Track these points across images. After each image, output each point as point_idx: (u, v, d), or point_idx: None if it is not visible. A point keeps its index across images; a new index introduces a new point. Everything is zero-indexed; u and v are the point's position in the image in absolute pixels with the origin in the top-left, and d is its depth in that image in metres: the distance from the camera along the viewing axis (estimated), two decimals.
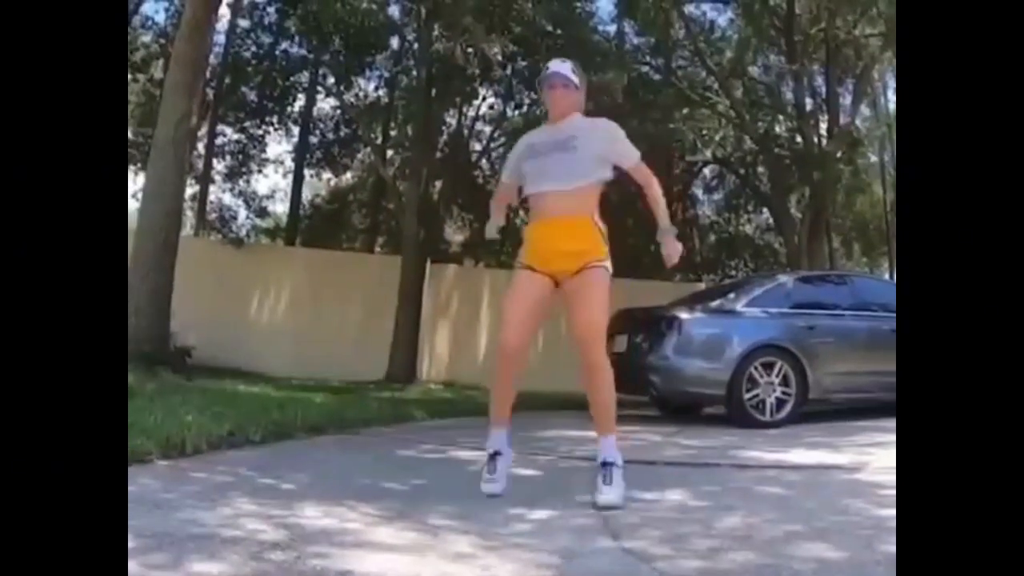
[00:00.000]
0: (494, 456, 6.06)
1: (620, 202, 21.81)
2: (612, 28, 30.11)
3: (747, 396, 12.04)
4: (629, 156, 6.26)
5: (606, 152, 6.16)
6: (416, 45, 25.94)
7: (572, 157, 6.02)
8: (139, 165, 23.10)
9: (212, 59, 24.13)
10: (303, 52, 28.65)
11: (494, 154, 30.18)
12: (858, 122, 31.02)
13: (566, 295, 5.94)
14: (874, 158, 37.05)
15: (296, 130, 31.13)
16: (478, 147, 29.77)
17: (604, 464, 5.78)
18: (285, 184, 34.34)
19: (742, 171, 31.44)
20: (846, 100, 29.30)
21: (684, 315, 12.87)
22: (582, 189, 6.02)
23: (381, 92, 30.22)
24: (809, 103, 28.86)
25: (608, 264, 5.97)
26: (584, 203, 6.03)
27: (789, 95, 28.91)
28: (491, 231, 7.10)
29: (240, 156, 30.50)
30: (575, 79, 6.28)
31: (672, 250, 6.23)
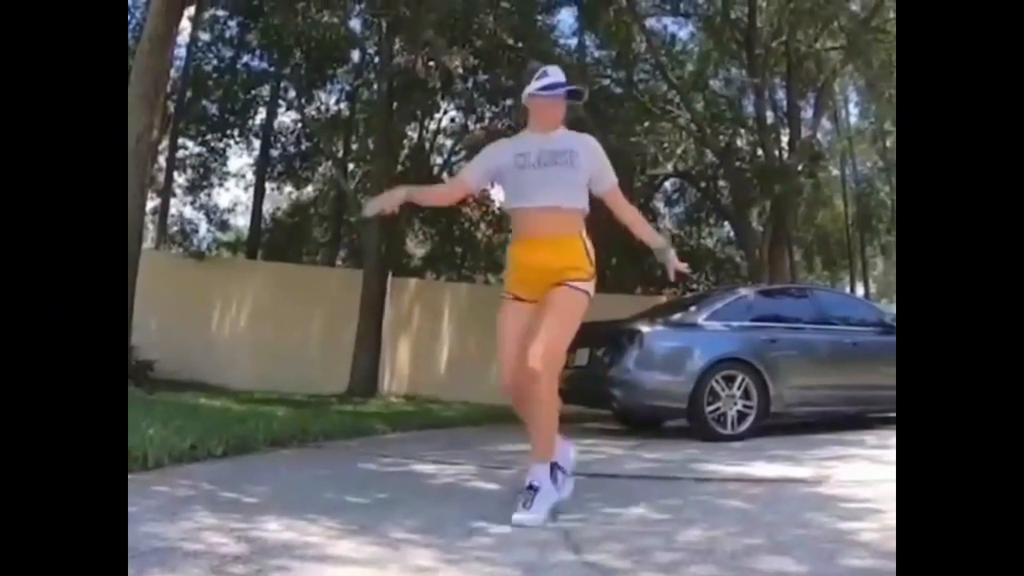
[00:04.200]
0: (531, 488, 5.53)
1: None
2: (573, 41, 30.17)
3: (709, 409, 12.03)
4: (609, 178, 6.17)
5: (593, 172, 6.03)
6: (377, 58, 25.95)
7: (569, 175, 5.87)
8: None
9: (173, 72, 24.06)
10: (264, 66, 28.63)
11: (455, 167, 30.18)
12: (819, 135, 31.26)
13: (539, 309, 5.72)
14: (835, 171, 37.35)
15: (257, 143, 31.13)
16: (440, 161, 29.69)
17: (529, 487, 5.51)
18: (246, 197, 34.43)
19: (703, 184, 31.56)
20: (807, 113, 29.49)
21: (645, 328, 12.86)
22: (574, 210, 5.88)
23: (342, 105, 30.28)
24: (770, 116, 29.01)
25: (587, 286, 5.80)
26: (574, 223, 5.88)
27: (750, 108, 29.02)
28: (372, 208, 6.93)
29: (201, 169, 30.48)
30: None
31: (677, 264, 6.40)
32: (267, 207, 34.85)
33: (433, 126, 29.28)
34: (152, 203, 27.23)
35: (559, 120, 6.11)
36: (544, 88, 6.08)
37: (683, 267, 6.45)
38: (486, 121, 27.92)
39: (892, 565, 3.38)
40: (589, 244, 5.91)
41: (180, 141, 29.64)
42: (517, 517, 5.27)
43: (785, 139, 29.10)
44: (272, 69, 28.60)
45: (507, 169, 6.02)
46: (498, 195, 6.63)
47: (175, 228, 31.55)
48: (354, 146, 30.73)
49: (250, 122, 29.94)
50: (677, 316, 13.75)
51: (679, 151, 29.19)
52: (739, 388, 12.18)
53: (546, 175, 5.85)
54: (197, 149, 30.13)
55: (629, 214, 6.29)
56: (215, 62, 28.68)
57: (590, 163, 6.00)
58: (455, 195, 6.82)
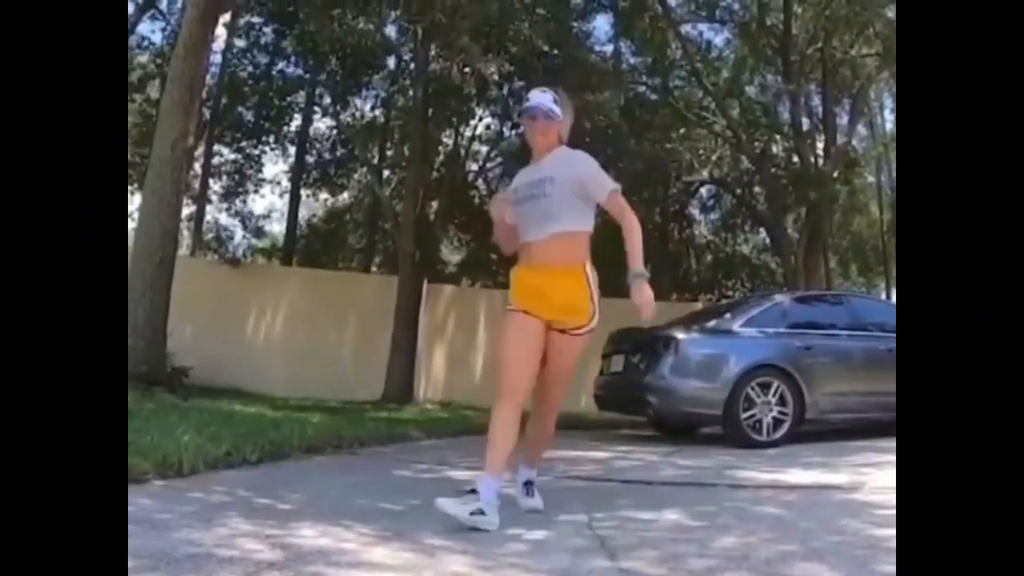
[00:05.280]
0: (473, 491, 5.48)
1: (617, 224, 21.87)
2: (609, 48, 30.12)
3: (744, 416, 11.98)
4: (602, 187, 5.88)
5: (579, 191, 5.80)
6: (412, 65, 25.96)
7: (545, 204, 5.81)
8: (135, 185, 23.06)
9: (209, 79, 24.12)
10: (299, 72, 28.76)
11: (490, 174, 30.16)
12: (855, 142, 31.10)
13: (549, 349, 5.79)
14: (871, 178, 37.19)
15: (292, 150, 31.18)
16: (474, 167, 29.68)
17: (527, 483, 6.22)
18: (281, 204, 34.54)
19: (739, 191, 31.41)
20: (843, 120, 29.31)
21: (681, 335, 12.83)
22: (559, 237, 5.74)
23: (377, 112, 30.24)
24: (806, 123, 28.85)
25: (592, 325, 5.82)
26: (568, 251, 5.77)
27: (786, 115, 28.89)
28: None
29: (236, 176, 30.58)
30: (557, 109, 6.04)
31: (641, 299, 5.68)
32: (302, 213, 34.90)
33: (468, 132, 29.11)
34: (187, 210, 27.31)
35: (548, 143, 6.08)
36: (522, 112, 6.20)
37: (647, 307, 5.68)
38: (521, 128, 27.84)
39: None
40: (591, 276, 5.82)
41: (215, 148, 29.81)
42: (529, 504, 6.07)
43: (820, 145, 28.95)
44: (307, 75, 28.73)
45: (514, 204, 6.03)
46: None
47: (210, 235, 31.69)
48: (389, 152, 30.81)
49: (285, 128, 30.07)
50: (712, 323, 13.72)
51: (714, 157, 29.11)
52: (774, 395, 12.12)
53: (528, 211, 5.89)
54: (232, 156, 30.32)
55: (626, 221, 5.84)
56: (250, 68, 28.85)
57: (570, 182, 5.81)
58: (514, 242, 6.19)
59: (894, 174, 38.28)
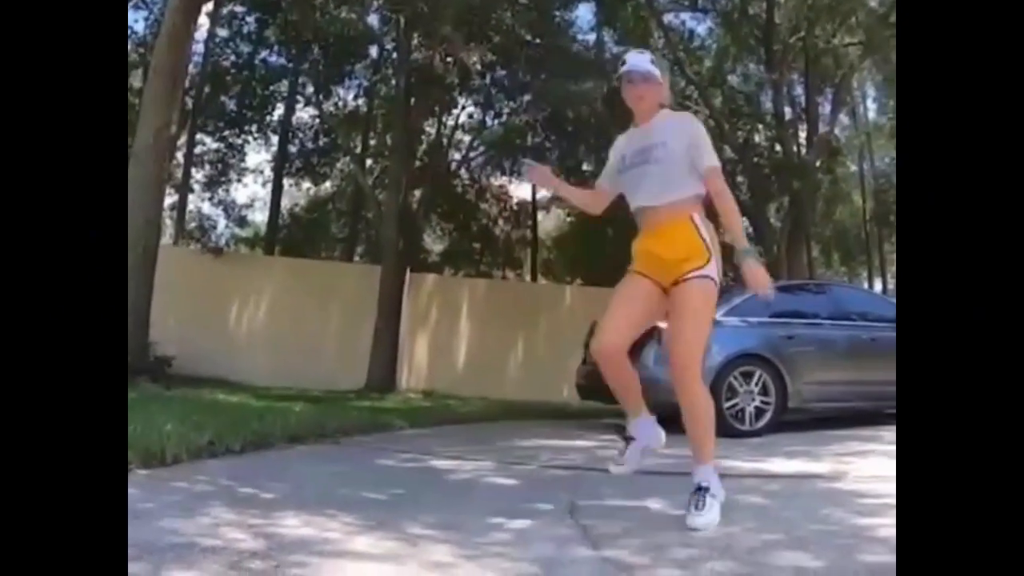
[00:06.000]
0: (628, 439, 6.23)
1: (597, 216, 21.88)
2: (591, 37, 30.15)
3: (726, 405, 11.92)
4: (702, 159, 5.59)
5: (688, 157, 5.59)
6: (395, 54, 26.00)
7: (658, 171, 5.57)
8: None
9: (191, 68, 24.09)
10: (282, 61, 28.82)
11: (473, 163, 30.19)
12: (837, 131, 31.21)
13: (668, 309, 5.70)
14: (853, 167, 37.28)
15: (275, 139, 31.29)
16: (457, 156, 29.78)
17: (699, 488, 5.35)
18: (264, 193, 34.52)
19: None
20: (825, 109, 29.42)
21: (664, 324, 12.82)
22: (674, 204, 5.56)
23: (360, 101, 30.35)
24: (788, 112, 28.94)
25: (710, 271, 5.57)
26: (680, 211, 5.56)
27: (768, 104, 29.02)
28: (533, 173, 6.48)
29: (219, 165, 30.62)
30: (656, 71, 5.88)
31: (755, 280, 5.67)
32: (285, 203, 34.97)
33: (451, 122, 29.28)
34: (170, 199, 27.36)
35: (649, 106, 5.90)
36: (620, 76, 5.94)
37: (765, 287, 5.66)
38: (504, 117, 27.88)
39: None
40: (702, 224, 5.61)
41: (198, 137, 29.86)
42: (691, 521, 5.10)
43: (803, 135, 29.09)
44: (290, 65, 28.79)
45: (617, 170, 5.93)
46: None
47: (193, 224, 31.70)
48: (372, 142, 30.87)
49: (268, 118, 30.13)
50: None
51: None
52: (757, 384, 12.12)
53: (638, 175, 5.69)
54: (215, 145, 30.35)
55: (722, 202, 5.66)
56: (233, 58, 28.86)
57: (682, 148, 5.60)
58: (599, 203, 6.35)
59: (876, 163, 38.43)
